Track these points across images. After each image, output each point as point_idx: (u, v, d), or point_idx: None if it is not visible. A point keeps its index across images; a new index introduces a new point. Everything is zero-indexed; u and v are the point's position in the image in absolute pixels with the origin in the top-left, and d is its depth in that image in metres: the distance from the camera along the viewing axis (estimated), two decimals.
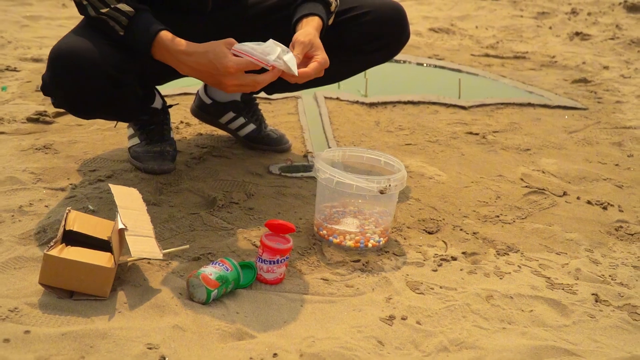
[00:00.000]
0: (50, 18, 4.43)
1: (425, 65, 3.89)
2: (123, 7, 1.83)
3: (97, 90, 1.87)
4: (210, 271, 1.55)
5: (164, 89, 2.91)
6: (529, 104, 3.25)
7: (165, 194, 2.06)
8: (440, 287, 1.70)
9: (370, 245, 1.85)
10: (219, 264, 1.58)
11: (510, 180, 2.40)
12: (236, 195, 2.08)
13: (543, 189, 2.32)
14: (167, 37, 1.82)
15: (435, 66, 3.88)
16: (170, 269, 1.66)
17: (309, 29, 1.88)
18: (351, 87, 3.28)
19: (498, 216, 2.12)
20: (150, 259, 1.65)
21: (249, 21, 2.14)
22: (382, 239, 1.87)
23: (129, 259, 1.60)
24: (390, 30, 2.16)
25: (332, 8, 2.01)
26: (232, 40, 1.76)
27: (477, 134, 2.82)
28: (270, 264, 1.64)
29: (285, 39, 1.86)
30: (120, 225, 1.54)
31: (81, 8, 1.89)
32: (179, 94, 2.99)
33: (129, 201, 1.66)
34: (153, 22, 1.84)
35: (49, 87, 1.90)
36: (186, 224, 1.89)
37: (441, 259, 1.83)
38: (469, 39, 4.60)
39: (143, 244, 1.53)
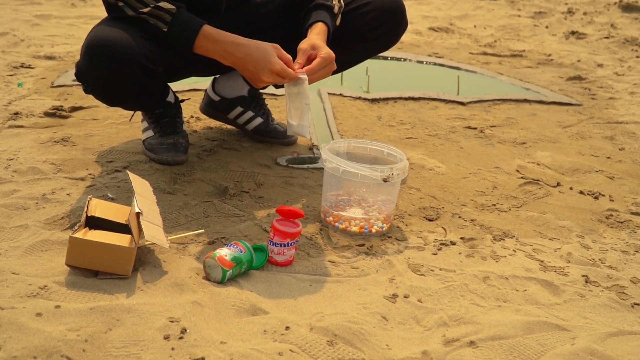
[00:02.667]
0: (60, 17, 4.53)
1: (425, 63, 3.99)
2: (165, 5, 1.97)
3: (130, 79, 2.01)
4: (226, 252, 1.65)
5: (174, 85, 3.01)
6: (525, 100, 3.34)
7: (179, 184, 2.16)
8: (440, 269, 1.80)
9: (374, 230, 1.95)
10: (233, 246, 1.68)
11: (506, 171, 2.50)
12: (246, 185, 2.18)
13: (538, 180, 2.42)
14: (213, 29, 1.97)
15: (435, 64, 3.98)
16: (186, 252, 1.76)
17: (310, 35, 2.05)
18: (354, 83, 3.38)
19: (495, 205, 2.22)
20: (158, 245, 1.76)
21: (259, 20, 2.25)
22: (385, 225, 1.97)
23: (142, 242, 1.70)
24: (389, 19, 2.29)
25: (336, 10, 2.13)
26: (277, 45, 1.95)
27: (475, 128, 2.92)
28: (281, 246, 1.74)
29: (294, 38, 2.05)
30: (137, 210, 1.64)
31: (115, 9, 2.00)
32: (188, 90, 3.09)
33: (144, 190, 1.76)
34: (195, 17, 1.99)
35: (84, 72, 2.02)
36: (200, 211, 1.99)
37: (441, 244, 1.93)
38: (467, 38, 4.70)
39: (154, 230, 1.64)
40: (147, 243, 1.72)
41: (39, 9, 4.74)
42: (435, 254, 1.88)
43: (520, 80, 3.74)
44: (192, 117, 2.77)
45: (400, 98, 3.24)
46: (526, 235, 2.03)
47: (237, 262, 1.65)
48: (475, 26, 5.07)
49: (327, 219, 1.98)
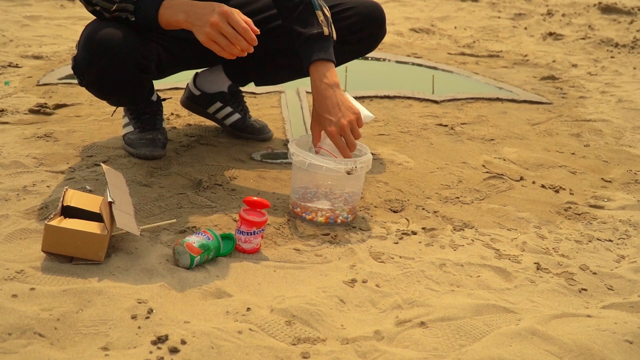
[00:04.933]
0: (49, 18, 4.61)
1: (403, 63, 4.08)
2: None
3: (126, 74, 2.11)
4: (194, 240, 1.74)
5: (158, 83, 3.09)
6: (498, 99, 3.44)
7: (155, 177, 2.24)
8: (400, 257, 1.89)
9: (339, 221, 2.04)
10: (201, 234, 1.77)
11: (472, 166, 2.58)
12: (220, 178, 2.27)
13: (502, 174, 2.51)
14: (172, 0, 2.01)
15: (413, 64, 4.07)
16: (158, 240, 1.85)
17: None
18: None
19: (458, 197, 2.31)
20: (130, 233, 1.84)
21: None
22: (350, 215, 2.06)
23: (116, 231, 1.78)
24: (370, 24, 2.39)
25: (327, 33, 2.13)
26: (237, 10, 1.95)
27: (446, 125, 3.01)
28: (247, 234, 1.82)
29: (269, 40, 2.13)
30: (110, 199, 1.72)
31: (97, 14, 2.10)
32: (170, 89, 3.18)
33: (117, 182, 1.85)
34: None
35: (82, 66, 2.12)
36: (174, 202, 2.08)
37: (402, 234, 2.02)
38: (447, 39, 4.79)
39: (126, 219, 1.72)
40: (120, 232, 1.80)
41: (29, 10, 4.82)
42: (396, 243, 1.97)
43: (494, 79, 3.83)
44: (172, 114, 2.86)
45: (376, 97, 3.33)
46: (485, 226, 2.12)
47: (205, 249, 1.74)
48: (455, 27, 5.17)
49: (295, 210, 2.06)
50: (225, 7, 1.92)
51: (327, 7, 2.19)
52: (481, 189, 2.40)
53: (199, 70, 2.67)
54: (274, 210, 2.09)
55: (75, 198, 1.82)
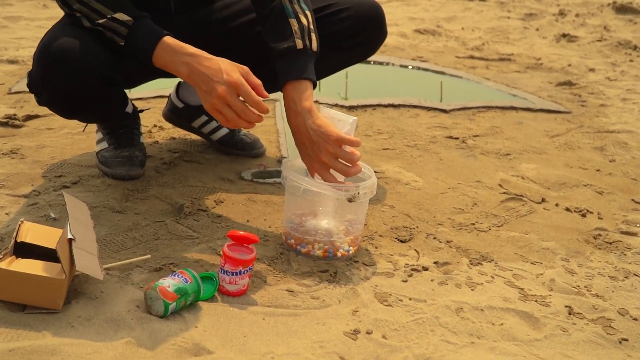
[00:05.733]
0: (30, 19, 4.38)
1: (408, 67, 3.85)
2: (121, 16, 1.79)
3: (89, 89, 1.87)
4: (169, 283, 1.50)
5: (140, 91, 2.86)
6: (512, 108, 3.20)
7: (131, 201, 2.01)
8: (410, 299, 1.66)
9: (339, 254, 1.80)
10: (178, 275, 1.53)
11: (488, 186, 2.35)
12: (205, 202, 2.03)
13: (521, 195, 2.28)
14: (174, 41, 1.77)
15: (419, 68, 3.84)
16: (129, 280, 1.61)
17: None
18: (331, 89, 3.23)
19: (473, 224, 2.07)
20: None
21: (214, 26, 2.10)
22: (351, 247, 1.82)
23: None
24: (368, 27, 2.14)
25: (300, 47, 1.85)
26: (247, 68, 1.73)
27: (457, 138, 2.77)
28: (232, 275, 1.58)
29: (249, 47, 1.92)
30: (69, 235, 1.48)
31: (75, 18, 1.84)
32: (154, 97, 2.94)
33: (80, 213, 1.61)
34: (155, 28, 1.79)
35: (37, 83, 1.88)
36: (150, 233, 1.84)
37: (412, 269, 1.78)
38: (454, 41, 4.56)
39: (87, 259, 1.48)
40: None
41: (9, 10, 4.59)
42: (405, 281, 1.73)
43: (507, 85, 3.59)
44: (155, 126, 2.62)
45: (379, 105, 3.09)
46: (506, 259, 1.89)
47: (181, 294, 1.50)
48: (463, 28, 4.94)
49: (289, 241, 1.83)
50: (235, 76, 1.68)
51: (309, 12, 1.90)
52: (499, 213, 2.16)
53: (182, 80, 2.43)
54: (265, 241, 1.86)
55: (32, 232, 1.58)
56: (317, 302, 1.61)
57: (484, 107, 3.18)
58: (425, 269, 1.80)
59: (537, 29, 5.00)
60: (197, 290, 1.54)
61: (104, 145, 2.21)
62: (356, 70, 3.43)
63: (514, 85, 3.61)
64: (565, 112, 3.20)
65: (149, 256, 1.70)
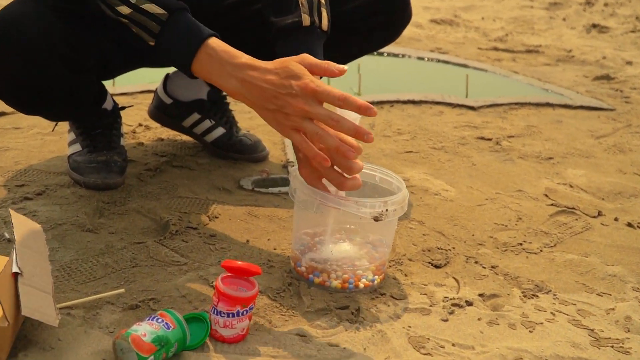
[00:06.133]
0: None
1: (426, 59, 3.52)
2: (151, 8, 1.38)
3: (49, 77, 1.53)
4: (145, 330, 1.16)
5: (123, 85, 2.55)
6: (548, 104, 2.87)
7: (106, 217, 1.67)
8: (453, 345, 1.32)
9: (361, 285, 1.46)
10: (157, 319, 1.19)
11: (532, 196, 2.01)
12: (195, 218, 1.70)
13: (573, 208, 1.94)
14: (220, 45, 1.36)
15: (439, 61, 3.51)
16: (96, 322, 1.28)
17: None
18: (343, 84, 2.90)
19: (521, 244, 1.73)
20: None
21: (205, 4, 1.75)
22: (377, 277, 1.48)
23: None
24: (389, 5, 1.79)
25: (307, 23, 1.52)
26: (306, 56, 1.34)
27: (489, 139, 2.44)
28: (228, 316, 1.25)
29: (247, 28, 1.62)
30: (15, 269, 1.15)
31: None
32: (141, 92, 2.61)
33: (31, 239, 1.27)
34: (196, 27, 1.38)
35: None
36: (127, 258, 1.50)
37: (452, 304, 1.45)
38: (474, 32, 4.23)
39: (38, 300, 1.15)
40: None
41: None
42: (445, 320, 1.39)
43: (539, 79, 3.26)
44: (140, 125, 2.29)
45: (397, 101, 2.75)
46: (566, 289, 1.55)
47: (161, 345, 1.16)
48: (483, 18, 4.60)
49: (299, 268, 1.49)
50: (306, 79, 1.28)
51: None
52: (549, 229, 1.82)
53: (170, 71, 2.09)
54: (269, 267, 1.52)
55: None
56: (336, 350, 1.27)
57: (515, 103, 2.85)
58: (470, 303, 1.46)
59: (564, 19, 4.67)
60: (182, 338, 1.20)
61: (77, 148, 1.88)
62: (369, 61, 3.10)
63: (546, 79, 3.28)
64: (609, 110, 2.86)
65: (123, 290, 1.36)
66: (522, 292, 1.52)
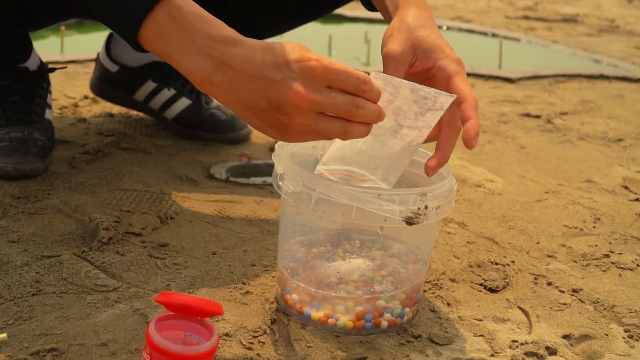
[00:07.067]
0: None
1: (445, 28, 3.06)
2: None
3: None
4: None
5: (73, 50, 2.09)
6: (602, 76, 2.42)
7: (10, 217, 1.20)
8: None
9: (385, 323, 0.98)
10: None
11: (607, 189, 1.54)
12: (141, 220, 1.22)
13: None
14: (190, 4, 0.89)
15: (461, 29, 3.06)
16: None
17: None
18: (347, 52, 2.50)
19: (608, 255, 1.26)
20: None
21: None
22: (407, 309, 1.00)
23: None
24: None
25: None
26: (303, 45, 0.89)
27: (537, 116, 1.98)
28: None
29: None
30: None
31: None
32: (95, 60, 2.13)
33: None
34: None
35: None
36: (27, 280, 1.02)
37: (526, 353, 0.96)
38: (498, 0, 3.79)
39: None
40: None
41: None
42: None
43: (584, 50, 2.79)
44: (86, 97, 1.82)
45: None
46: None
47: None
48: None
49: (288, 297, 1.00)
50: (308, 55, 0.87)
51: None
52: None
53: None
54: (243, 295, 1.05)
55: None
56: None
57: (562, 75, 2.40)
58: (551, 350, 0.97)
59: None
60: None
61: None
62: (378, 29, 2.66)
63: (593, 50, 2.82)
64: None
65: (5, 335, 0.87)
66: (625, 330, 1.04)
